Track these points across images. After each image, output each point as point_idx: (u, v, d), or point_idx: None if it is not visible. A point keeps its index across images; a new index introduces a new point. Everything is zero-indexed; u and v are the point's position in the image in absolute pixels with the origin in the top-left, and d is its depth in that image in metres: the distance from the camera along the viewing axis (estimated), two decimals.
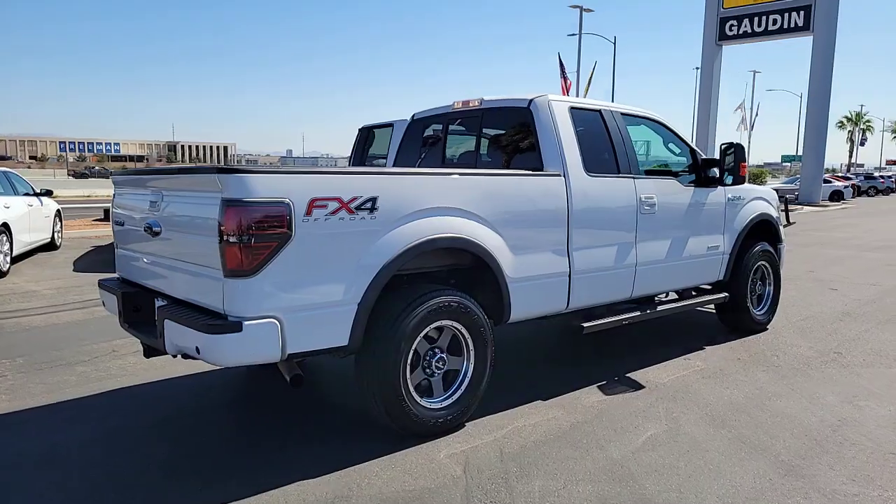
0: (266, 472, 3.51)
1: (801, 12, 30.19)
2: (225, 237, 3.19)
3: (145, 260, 4.06)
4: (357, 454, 3.70)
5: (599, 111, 5.08)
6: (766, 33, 30.83)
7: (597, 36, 33.54)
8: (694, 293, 6.10)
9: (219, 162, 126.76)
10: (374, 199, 3.59)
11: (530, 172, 4.50)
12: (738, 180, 5.57)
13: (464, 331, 4.02)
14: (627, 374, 5.14)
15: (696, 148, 5.77)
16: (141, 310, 4.13)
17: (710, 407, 4.44)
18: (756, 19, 31.07)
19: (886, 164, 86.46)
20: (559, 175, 4.56)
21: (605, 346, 5.89)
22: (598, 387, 4.85)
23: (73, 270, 10.28)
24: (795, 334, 6.44)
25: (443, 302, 3.86)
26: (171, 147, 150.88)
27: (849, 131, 74.27)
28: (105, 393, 4.77)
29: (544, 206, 4.45)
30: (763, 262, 6.44)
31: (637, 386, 4.88)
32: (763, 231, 6.45)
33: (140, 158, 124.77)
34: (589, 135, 4.89)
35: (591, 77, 30.77)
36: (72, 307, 7.64)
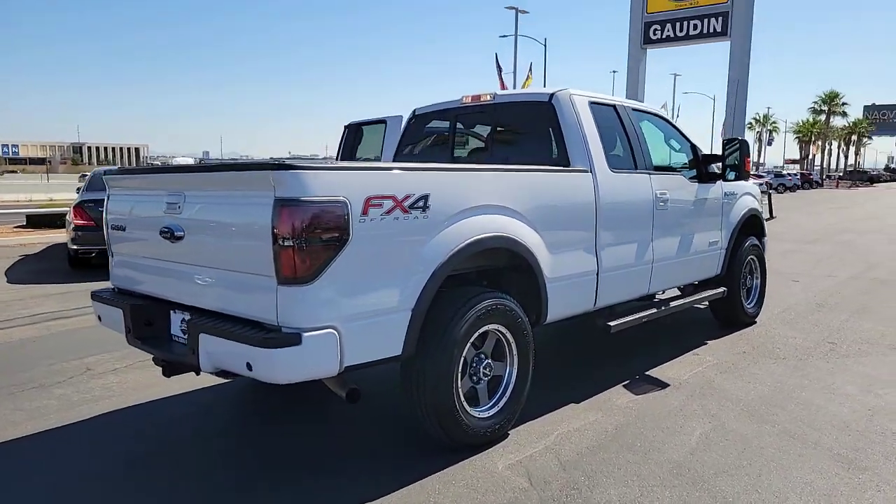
0: (325, 493, 3.22)
1: (719, 18, 31.55)
2: (279, 241, 2.88)
3: (159, 268, 3.66)
4: (411, 470, 3.45)
5: (614, 106, 5.00)
6: (688, 38, 31.91)
7: (529, 38, 33.94)
8: (693, 289, 6.12)
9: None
10: (426, 197, 3.35)
11: (564, 169, 4.36)
12: (742, 176, 5.62)
13: (508, 335, 3.83)
14: (647, 373, 5.07)
15: (695, 143, 5.78)
16: (153, 323, 3.73)
17: (742, 402, 4.42)
18: (678, 24, 32.14)
19: (785, 164, 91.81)
20: (587, 171, 4.44)
21: (612, 345, 5.81)
22: (624, 386, 4.76)
23: (8, 282, 9.41)
24: (783, 326, 6.58)
25: (491, 305, 3.66)
26: (77, 149, 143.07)
27: (757, 132, 78.40)
28: (97, 418, 4.29)
29: (576, 204, 4.32)
30: (752, 256, 6.55)
31: (661, 384, 4.82)
32: (751, 225, 6.56)
33: (42, 161, 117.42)
34: (608, 130, 4.79)
35: (528, 78, 30.98)
36: (21, 322, 6.95)
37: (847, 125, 69.84)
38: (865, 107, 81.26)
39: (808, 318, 6.92)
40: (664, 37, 34.81)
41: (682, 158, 5.73)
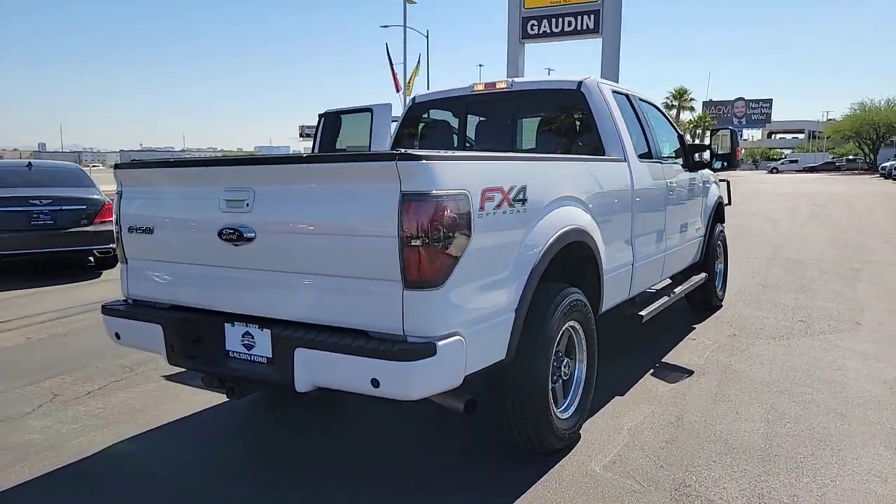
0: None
1: (592, 16, 32.96)
2: (407, 241, 2.55)
3: (212, 275, 3.16)
4: (511, 481, 3.23)
5: (628, 95, 4.98)
6: (563, 34, 32.97)
7: (411, 29, 33.73)
8: (681, 276, 6.27)
9: None
10: (524, 189, 3.13)
11: (609, 158, 4.27)
12: (733, 165, 5.80)
13: (580, 330, 3.69)
14: (664, 360, 5.13)
15: (681, 132, 5.91)
16: (202, 339, 3.23)
17: (772, 384, 4.55)
18: (554, 20, 33.11)
19: None
20: (623, 160, 4.38)
21: (611, 336, 5.80)
22: (652, 375, 4.77)
23: None
24: (747, 307, 6.92)
25: (572, 301, 3.50)
26: None
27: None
28: (110, 451, 3.68)
29: (620, 194, 4.25)
30: (719, 241, 6.82)
31: (685, 370, 4.88)
32: (719, 212, 6.83)
33: None
34: (628, 119, 4.76)
35: (416, 69, 30.84)
36: None
37: (693, 119, 75.60)
38: (704, 102, 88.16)
39: (763, 298, 7.34)
40: (541, 32, 35.87)
41: (671, 147, 5.84)
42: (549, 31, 33.51)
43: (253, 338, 3.09)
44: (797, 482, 3.20)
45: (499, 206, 2.93)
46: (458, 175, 2.71)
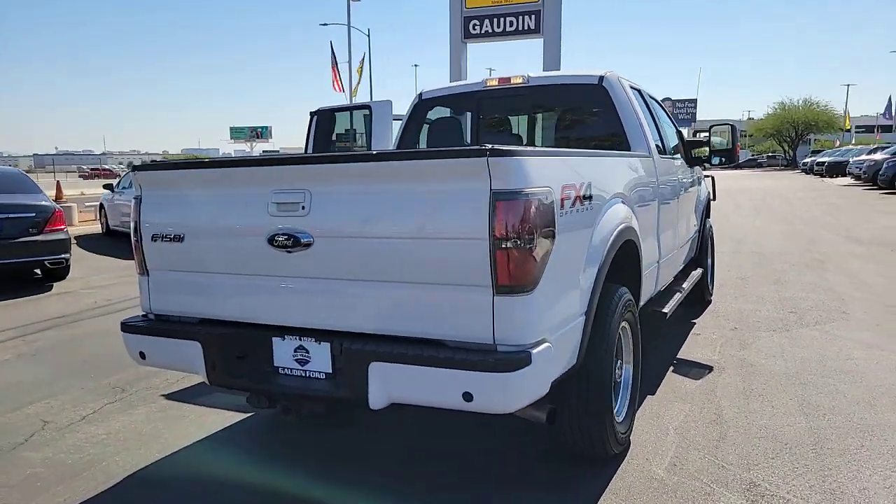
0: None
1: (532, 16, 33.35)
2: (499, 243, 2.38)
3: (258, 285, 2.90)
4: (578, 490, 3.10)
5: (640, 90, 4.93)
6: (505, 34, 33.12)
7: (354, 28, 33.25)
8: (680, 272, 6.28)
9: None
10: (591, 186, 3.01)
11: (638, 154, 4.19)
12: (732, 160, 5.84)
13: (629, 331, 3.59)
14: (679, 357, 5.10)
15: (679, 128, 5.92)
16: (247, 356, 2.96)
17: (793, 376, 4.57)
18: (495, 20, 33.18)
19: None
20: (649, 156, 4.32)
21: None
22: (673, 372, 4.73)
23: None
24: (737, 300, 7.02)
25: (627, 300, 3.40)
26: None
27: None
28: (121, 486, 3.35)
29: (650, 189, 4.19)
30: (709, 237, 6.90)
31: (703, 366, 4.87)
32: (708, 208, 6.89)
33: None
34: (645, 114, 4.70)
35: (360, 67, 30.37)
36: None
37: None
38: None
39: (747, 291, 7.46)
40: (483, 32, 35.98)
41: (673, 142, 5.83)
42: (490, 30, 33.67)
43: (308, 352, 2.85)
44: (860, 475, 3.19)
45: (574, 203, 2.79)
46: (544, 172, 2.56)
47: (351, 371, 2.63)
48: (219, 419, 4.11)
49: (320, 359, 2.82)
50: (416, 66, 68.47)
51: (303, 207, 2.70)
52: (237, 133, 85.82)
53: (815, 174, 41.50)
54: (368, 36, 34.82)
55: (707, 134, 5.85)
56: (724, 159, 5.81)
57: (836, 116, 65.83)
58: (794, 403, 4.09)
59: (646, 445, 3.56)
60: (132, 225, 3.20)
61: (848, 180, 31.99)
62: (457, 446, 3.65)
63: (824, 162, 39.69)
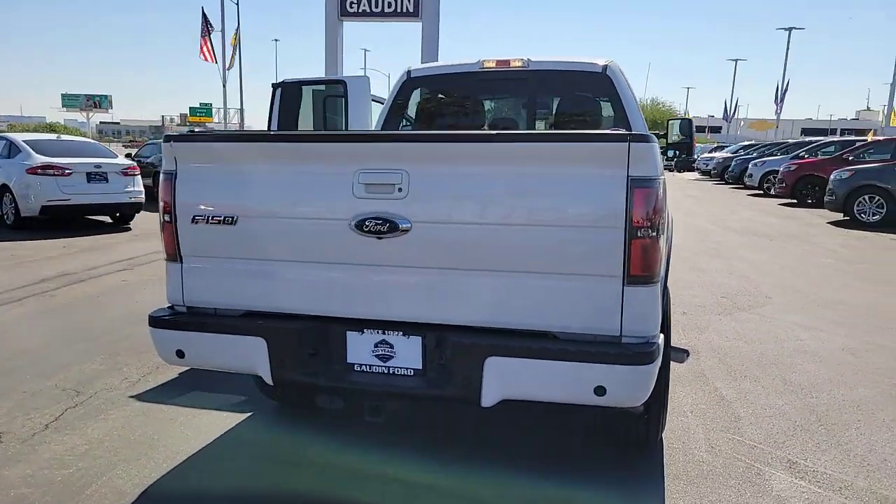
0: None
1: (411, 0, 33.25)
2: (635, 232, 2.32)
3: (334, 274, 2.62)
4: (633, 478, 3.12)
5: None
6: (383, 15, 32.64)
7: None
8: None
9: None
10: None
11: None
12: (691, 154, 6.08)
13: None
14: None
15: None
16: (319, 352, 2.68)
17: (761, 357, 4.90)
18: (374, 0, 33.00)
19: None
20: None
21: None
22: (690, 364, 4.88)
23: None
24: (672, 286, 7.38)
25: (666, 287, 3.45)
26: None
27: None
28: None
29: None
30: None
31: (679, 349, 4.98)
32: None
33: None
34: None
35: (235, 39, 28.55)
36: None
37: None
38: None
39: (675, 277, 7.87)
40: (360, 11, 35.28)
41: None
42: (368, 10, 33.08)
43: (392, 347, 2.62)
44: (875, 446, 3.46)
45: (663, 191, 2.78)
46: (660, 160, 2.52)
47: (460, 367, 2.45)
48: (215, 420, 3.72)
49: (408, 354, 2.61)
50: (276, 40, 65.23)
51: (399, 189, 2.47)
52: (70, 101, 77.04)
53: (666, 169, 44.84)
54: (237, 4, 32.93)
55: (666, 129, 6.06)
56: (680, 153, 6.06)
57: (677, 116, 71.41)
58: (779, 383, 4.37)
59: (674, 429, 3.66)
60: (161, 205, 2.78)
61: (696, 175, 34.89)
62: (503, 441, 3.56)
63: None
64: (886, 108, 41.41)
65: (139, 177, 11.88)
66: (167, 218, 2.77)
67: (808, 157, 19.95)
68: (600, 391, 2.35)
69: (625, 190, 2.30)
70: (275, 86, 5.28)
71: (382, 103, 5.06)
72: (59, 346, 5.04)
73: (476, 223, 2.44)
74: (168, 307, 2.90)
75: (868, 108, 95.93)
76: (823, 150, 21.11)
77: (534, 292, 2.45)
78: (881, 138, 19.95)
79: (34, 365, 4.60)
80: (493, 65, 4.61)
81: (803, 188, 18.26)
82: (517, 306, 2.47)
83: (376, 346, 2.64)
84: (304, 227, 2.61)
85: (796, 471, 3.21)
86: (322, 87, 5.37)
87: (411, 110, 4.88)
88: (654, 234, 2.34)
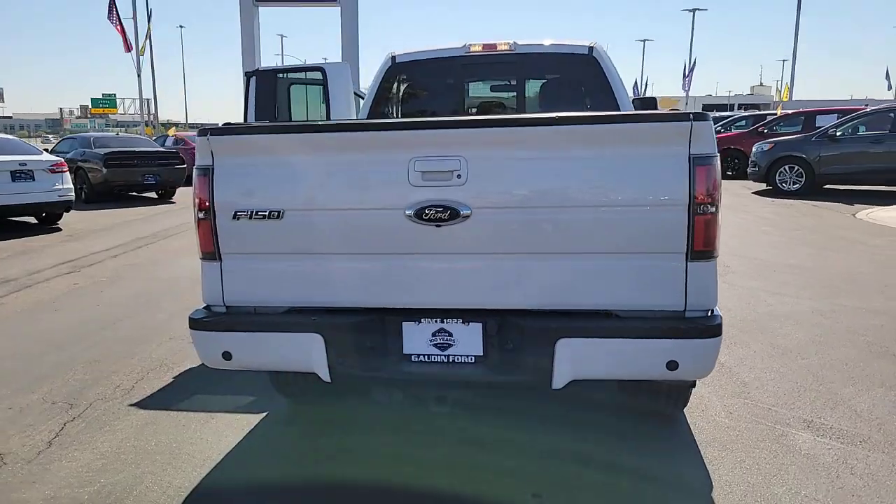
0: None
1: None
2: (698, 208, 2.38)
3: (388, 264, 2.56)
4: (672, 441, 3.22)
5: None
6: (301, 0, 32.12)
7: None
8: None
9: None
10: None
11: None
12: None
13: None
14: None
15: None
16: (376, 345, 2.62)
17: (742, 324, 5.13)
18: None
19: None
20: None
21: None
22: None
23: None
24: None
25: None
26: None
27: None
28: None
29: None
30: None
31: None
32: None
33: None
34: None
35: (148, 28, 27.13)
36: None
37: None
38: None
39: None
40: None
41: None
42: None
43: (450, 335, 2.59)
44: (875, 404, 3.69)
45: None
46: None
47: (531, 350, 2.45)
48: (230, 423, 3.58)
49: (468, 341, 2.59)
50: (181, 27, 62.29)
51: (458, 176, 2.44)
52: None
53: None
54: None
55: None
56: None
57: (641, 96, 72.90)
58: (768, 347, 4.60)
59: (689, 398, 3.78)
60: (196, 201, 2.63)
61: None
62: (532, 418, 3.58)
63: None
64: (780, 83, 43.78)
65: (67, 174, 11.18)
66: (203, 215, 2.63)
67: (723, 132, 20.89)
68: (672, 366, 2.40)
69: (687, 168, 2.35)
70: (248, 74, 5.06)
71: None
72: (30, 357, 4.71)
73: (536, 206, 2.44)
74: (203, 308, 2.76)
75: (761, 84, 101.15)
76: (736, 124, 22.18)
77: (596, 272, 2.47)
78: (789, 112, 21.12)
79: (11, 379, 4.28)
80: (480, 49, 4.58)
81: (723, 160, 19.13)
82: (579, 287, 2.49)
83: (434, 334, 2.60)
84: (357, 218, 2.54)
85: (814, 429, 3.39)
86: (301, 74, 5.20)
87: (397, 96, 4.80)
88: (714, 209, 2.40)
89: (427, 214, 2.43)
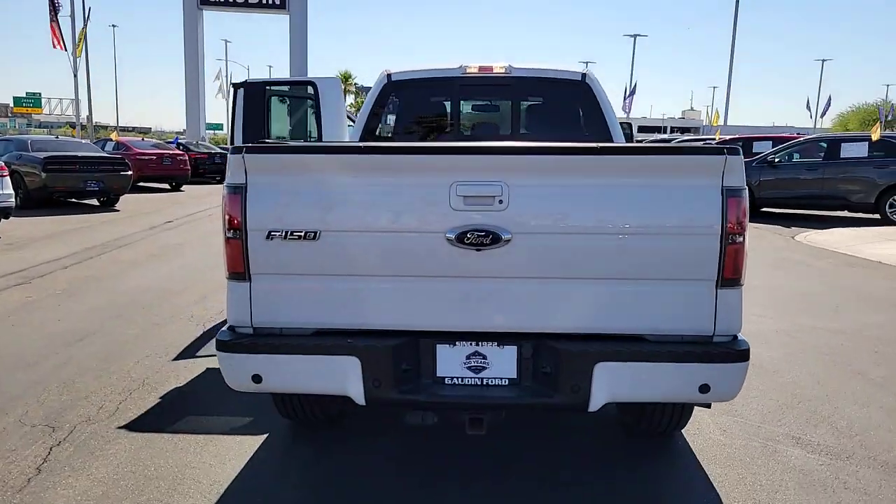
0: None
1: None
2: (729, 238, 2.49)
3: (427, 288, 2.57)
4: (666, 459, 3.33)
5: None
6: (248, 6, 31.65)
7: None
8: None
9: None
10: None
11: None
12: None
13: None
14: None
15: None
16: (411, 368, 2.62)
17: None
18: None
19: None
20: None
21: None
22: None
23: None
24: None
25: None
26: None
27: None
28: None
29: None
30: None
31: None
32: None
33: None
34: None
35: (84, 27, 25.99)
36: None
37: (353, 103, 79.15)
38: (357, 88, 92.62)
39: None
40: (223, 0, 33.83)
41: None
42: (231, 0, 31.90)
43: (485, 358, 2.62)
44: (854, 418, 3.91)
45: None
46: None
47: (569, 374, 2.50)
48: (231, 446, 3.49)
49: (502, 364, 2.62)
50: (114, 26, 59.88)
51: (500, 202, 2.48)
52: None
53: None
54: None
55: None
56: None
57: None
58: None
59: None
60: (226, 219, 2.58)
61: None
62: (525, 449, 3.63)
63: None
64: (711, 108, 45.80)
65: (7, 178, 10.65)
66: (233, 234, 2.58)
67: None
68: (704, 389, 2.50)
69: (720, 199, 2.46)
70: (236, 86, 4.96)
71: None
72: None
73: (575, 233, 2.50)
74: (227, 329, 2.69)
75: (692, 108, 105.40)
76: None
77: (630, 298, 2.55)
78: (727, 137, 22.08)
79: None
80: (476, 70, 4.65)
81: None
82: (613, 312, 2.56)
83: (468, 357, 2.62)
84: (396, 240, 2.54)
85: (803, 445, 3.56)
86: (287, 88, 5.13)
87: (390, 114, 4.81)
88: (741, 239, 2.52)
89: (469, 239, 2.46)
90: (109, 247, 9.72)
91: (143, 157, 19.81)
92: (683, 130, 76.61)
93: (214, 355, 4.74)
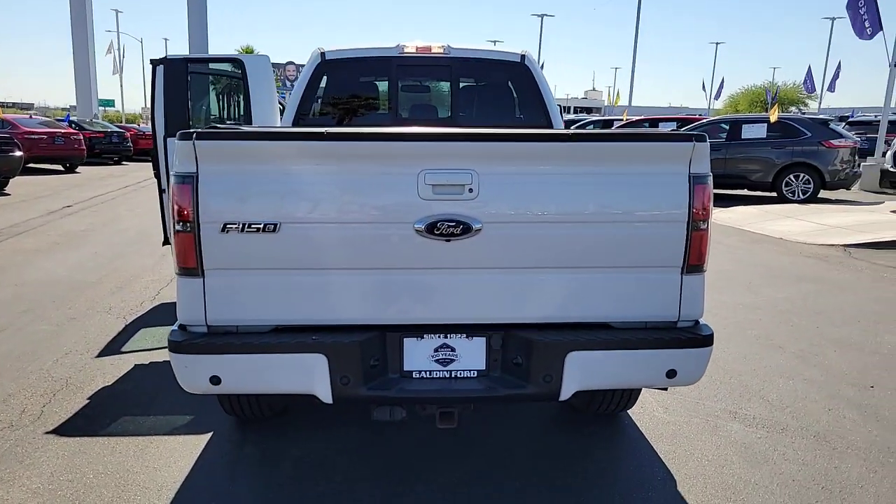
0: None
1: None
2: (695, 225, 2.55)
3: (393, 280, 2.49)
4: (629, 443, 3.43)
5: None
6: None
7: None
8: None
9: None
10: None
11: None
12: None
13: None
14: None
15: None
16: (379, 363, 2.54)
17: None
18: None
19: None
20: None
21: None
22: None
23: None
24: None
25: None
26: None
27: None
28: None
29: None
30: None
31: None
32: None
33: None
34: None
35: None
36: None
37: None
38: None
39: None
40: None
41: None
42: None
43: (453, 350, 2.58)
44: (783, 391, 4.14)
45: None
46: None
47: (540, 364, 2.50)
48: (174, 446, 3.30)
49: (471, 356, 2.59)
50: None
51: (470, 190, 2.42)
52: None
53: None
54: None
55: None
56: None
57: None
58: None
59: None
60: (174, 210, 2.40)
61: None
62: (482, 435, 3.62)
63: None
64: (613, 89, 47.35)
65: None
66: (182, 227, 2.40)
67: None
68: (671, 374, 2.56)
69: (687, 185, 2.50)
70: (154, 62, 4.62)
71: None
72: None
73: (546, 221, 2.49)
74: (178, 328, 2.52)
75: (594, 89, 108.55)
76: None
77: (599, 286, 2.57)
78: (634, 118, 22.83)
79: None
80: (414, 50, 4.55)
81: None
82: (582, 301, 2.57)
83: (436, 350, 2.58)
84: (361, 231, 2.44)
85: (741, 419, 3.75)
86: (222, 66, 4.83)
87: (324, 94, 4.63)
88: (706, 226, 2.57)
89: (439, 229, 2.40)
90: (5, 234, 8.98)
91: (32, 136, 18.35)
92: (588, 111, 78.78)
93: (142, 350, 4.60)
